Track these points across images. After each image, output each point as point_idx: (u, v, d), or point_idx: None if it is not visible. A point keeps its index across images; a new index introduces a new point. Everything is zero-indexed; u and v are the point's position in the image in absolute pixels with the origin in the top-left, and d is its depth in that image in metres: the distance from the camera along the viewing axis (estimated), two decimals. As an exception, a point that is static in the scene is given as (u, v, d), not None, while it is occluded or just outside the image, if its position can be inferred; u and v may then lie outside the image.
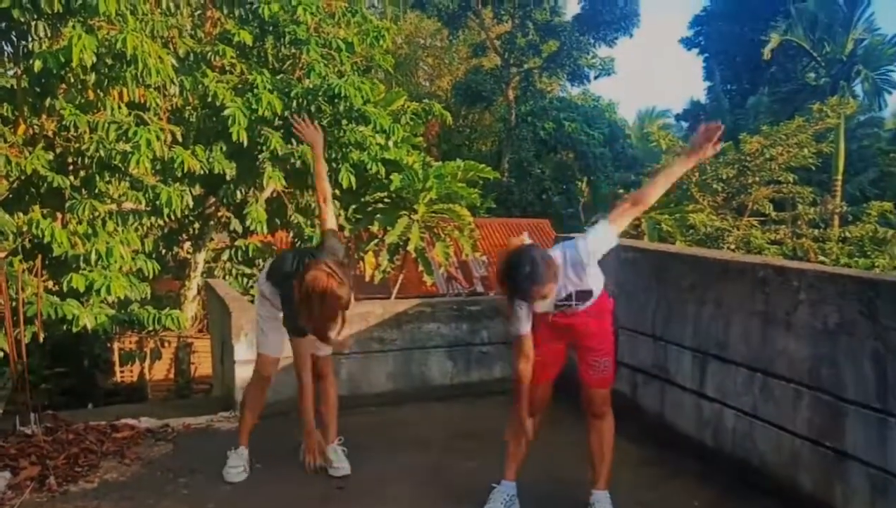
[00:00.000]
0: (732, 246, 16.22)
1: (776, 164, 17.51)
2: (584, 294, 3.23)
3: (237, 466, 3.91)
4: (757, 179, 17.85)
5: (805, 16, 28.32)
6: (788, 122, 18.14)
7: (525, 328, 3.20)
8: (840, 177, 21.46)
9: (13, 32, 7.14)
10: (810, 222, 18.17)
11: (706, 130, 3.17)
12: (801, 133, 17.43)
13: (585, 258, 3.13)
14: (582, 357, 3.40)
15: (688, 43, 36.42)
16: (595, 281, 3.26)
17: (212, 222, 10.57)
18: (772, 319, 3.70)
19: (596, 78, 33.47)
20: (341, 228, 11.06)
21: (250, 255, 10.62)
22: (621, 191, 21.36)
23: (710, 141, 3.16)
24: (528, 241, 3.09)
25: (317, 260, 3.40)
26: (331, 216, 3.99)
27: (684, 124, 35.92)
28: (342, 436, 4.08)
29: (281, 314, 3.80)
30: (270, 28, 9.56)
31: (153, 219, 8.95)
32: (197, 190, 9.58)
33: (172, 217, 8.84)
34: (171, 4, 8.14)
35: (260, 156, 9.25)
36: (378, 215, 11.35)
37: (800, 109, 22.91)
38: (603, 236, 3.16)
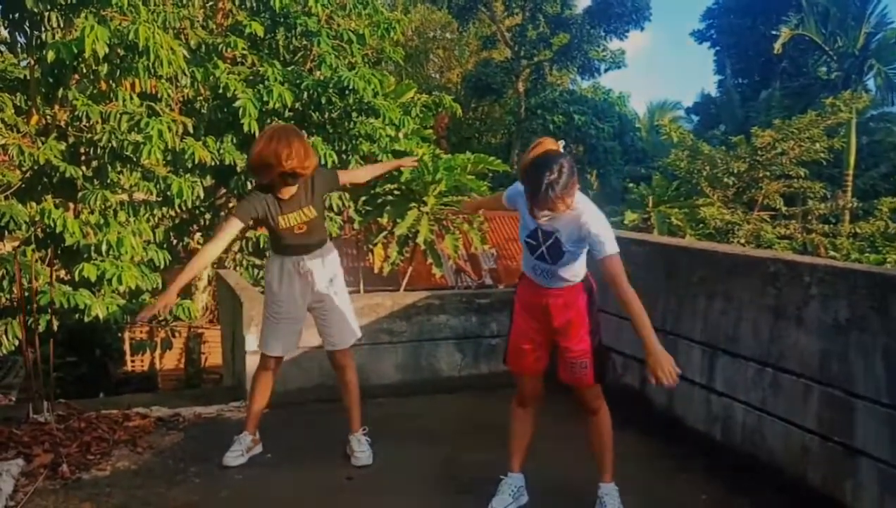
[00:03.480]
0: (742, 240, 16.18)
1: (787, 158, 17.44)
2: (557, 251, 3.13)
3: (236, 450, 3.96)
4: (768, 173, 17.78)
5: (817, 10, 28.11)
6: (800, 116, 18.05)
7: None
8: (851, 172, 21.35)
9: (27, 23, 7.19)
10: (821, 217, 18.12)
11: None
12: (812, 127, 17.35)
13: (591, 225, 3.04)
14: (560, 356, 3.35)
15: (699, 36, 36.23)
16: (575, 265, 3.20)
17: (222, 213, 10.61)
18: (782, 313, 3.69)
19: (606, 71, 33.43)
20: (351, 220, 11.10)
21: (261, 246, 10.65)
22: (630, 184, 21.29)
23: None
24: (562, 149, 3.06)
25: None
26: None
27: (695, 118, 35.74)
28: (366, 426, 4.11)
29: (288, 311, 3.91)
30: (282, 19, 9.58)
31: (164, 209, 9.00)
32: (208, 181, 9.61)
33: (183, 208, 8.90)
34: (183, -5, 8.18)
35: (270, 147, 9.26)
36: (387, 207, 11.35)
37: (811, 103, 22.78)
38: (610, 236, 3.07)
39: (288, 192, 3.74)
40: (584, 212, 3.07)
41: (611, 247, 3.04)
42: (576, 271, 3.24)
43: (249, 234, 10.58)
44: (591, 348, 3.29)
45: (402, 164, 4.94)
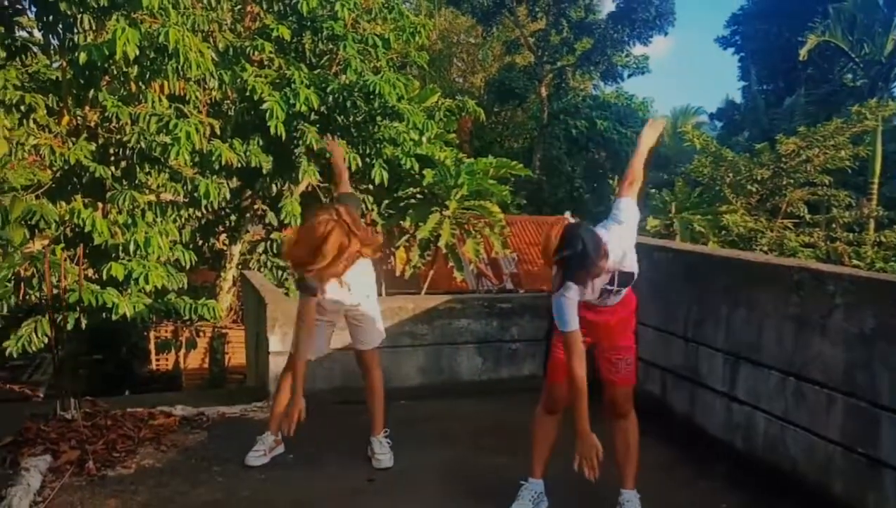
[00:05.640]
0: (765, 248, 16.03)
1: (812, 166, 17.24)
2: (627, 276, 3.22)
3: (258, 450, 4.00)
4: (792, 180, 17.61)
5: (843, 16, 27.78)
6: (825, 123, 17.86)
7: (575, 321, 3.08)
8: (877, 180, 21.04)
9: (60, 25, 7.30)
10: (845, 225, 17.89)
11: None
12: (838, 135, 17.15)
13: (624, 218, 3.25)
14: (603, 355, 3.39)
15: (724, 42, 35.96)
16: (634, 265, 3.27)
17: (248, 215, 10.71)
18: (806, 322, 3.68)
19: (629, 76, 33.25)
20: (374, 222, 11.16)
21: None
22: (653, 190, 21.16)
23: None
24: (572, 220, 3.13)
25: (327, 205, 3.58)
26: (347, 186, 4.33)
27: (718, 124, 35.46)
28: (388, 429, 4.15)
29: (327, 318, 3.96)
30: (308, 23, 9.66)
31: (191, 210, 9.10)
32: (234, 183, 9.73)
33: (209, 209, 9.01)
34: None
35: (296, 150, 9.35)
36: (410, 211, 11.41)
37: (836, 111, 22.51)
38: (625, 206, 3.30)
39: None
40: (610, 232, 3.17)
41: (616, 202, 3.39)
42: (636, 270, 3.32)
43: (274, 235, 10.68)
44: (635, 345, 3.40)
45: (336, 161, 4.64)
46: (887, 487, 3.25)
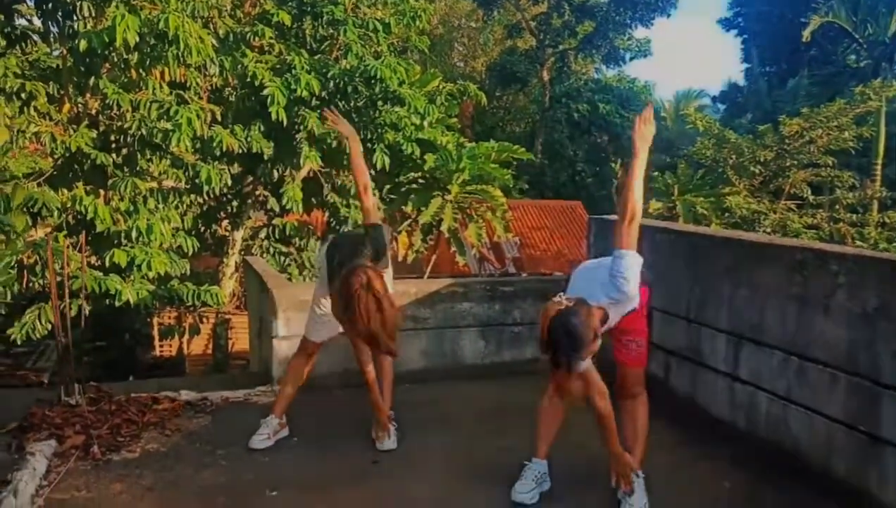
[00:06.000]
0: (769, 230, 16.02)
1: (815, 147, 17.19)
2: (632, 310, 3.26)
3: (263, 434, 4.01)
4: (795, 162, 17.56)
5: (847, -4, 27.63)
6: (829, 104, 17.79)
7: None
8: (881, 161, 20.95)
9: (59, 12, 7.29)
10: (848, 206, 17.86)
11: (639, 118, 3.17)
12: (841, 116, 17.08)
13: (627, 289, 3.04)
14: (615, 337, 3.42)
15: (726, 24, 35.76)
16: (637, 290, 3.18)
17: (249, 201, 10.71)
18: (809, 302, 3.68)
19: (632, 59, 33.11)
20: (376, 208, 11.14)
21: (287, 233, 10.76)
22: (656, 173, 21.11)
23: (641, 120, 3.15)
24: (565, 302, 2.92)
25: (355, 270, 3.37)
26: (374, 207, 4.00)
27: (721, 106, 35.34)
28: (393, 411, 4.16)
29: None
30: (308, 8, 9.62)
31: (193, 197, 9.11)
32: (235, 169, 9.72)
33: (211, 195, 9.01)
34: (212, -15, 8.24)
35: (297, 136, 9.34)
36: (412, 196, 11.41)
37: (840, 92, 22.41)
38: (628, 267, 3.04)
39: None
40: (612, 298, 3.08)
41: (619, 257, 3.08)
42: (639, 286, 3.20)
43: (276, 221, 10.68)
44: (647, 328, 3.42)
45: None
46: (888, 464, 3.26)
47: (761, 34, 33.32)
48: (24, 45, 7.70)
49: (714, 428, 4.30)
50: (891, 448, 3.25)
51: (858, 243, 15.68)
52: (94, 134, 7.60)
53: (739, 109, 31.66)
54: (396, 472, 3.76)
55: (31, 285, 7.58)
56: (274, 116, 8.57)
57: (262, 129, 9.11)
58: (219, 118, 8.42)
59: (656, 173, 20.41)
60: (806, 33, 25.90)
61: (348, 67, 9.30)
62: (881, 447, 3.29)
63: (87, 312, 6.00)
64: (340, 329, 4.03)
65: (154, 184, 8.40)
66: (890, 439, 3.25)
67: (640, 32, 32.89)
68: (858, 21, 27.33)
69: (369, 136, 9.63)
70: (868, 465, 3.36)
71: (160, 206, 8.10)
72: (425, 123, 10.05)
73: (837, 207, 17.61)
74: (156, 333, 12.11)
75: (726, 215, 16.92)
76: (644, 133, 3.17)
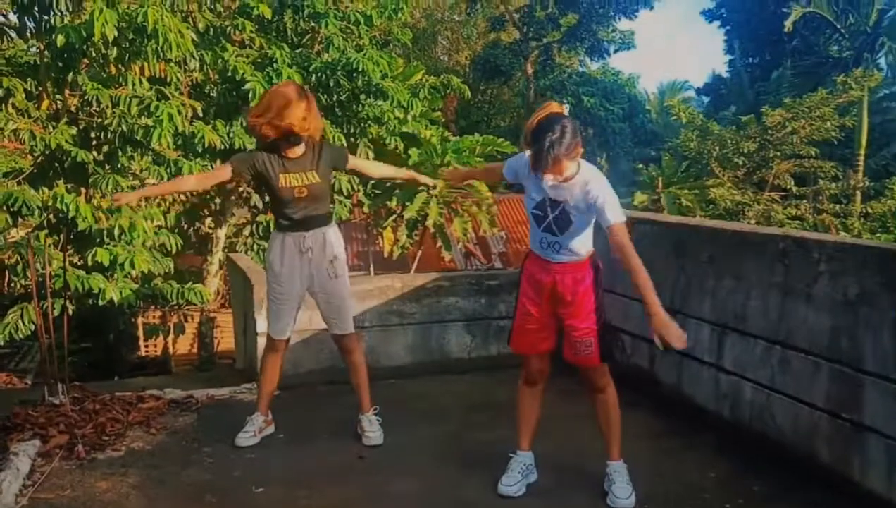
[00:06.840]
0: (753, 221, 16.13)
1: (798, 137, 17.31)
2: (565, 220, 3.16)
3: (248, 431, 3.99)
4: (778, 153, 17.67)
5: (828, -14, 27.75)
6: (811, 94, 17.90)
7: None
8: (863, 151, 21.13)
9: (36, 7, 7.21)
10: (832, 197, 18.01)
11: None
12: (824, 106, 17.21)
13: (597, 192, 3.06)
14: (566, 335, 3.35)
15: (709, 15, 35.85)
16: (582, 237, 3.21)
17: (233, 198, 10.66)
18: (791, 291, 3.70)
19: (616, 52, 33.10)
20: (360, 203, 11.12)
21: (271, 230, 10.70)
22: (640, 166, 21.16)
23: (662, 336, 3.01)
24: (566, 112, 3.09)
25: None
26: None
27: (705, 99, 35.48)
28: (377, 406, 4.14)
29: (288, 292, 3.91)
30: (289, 1, 9.56)
31: (175, 194, 9.04)
32: (218, 165, 9.65)
33: (194, 193, 8.93)
34: (191, -22, 8.18)
35: (279, 131, 9.27)
36: (396, 191, 11.39)
37: (822, 82, 22.54)
38: (616, 204, 3.10)
39: (293, 152, 3.77)
40: (590, 180, 3.11)
41: (617, 215, 3.07)
42: (583, 242, 3.24)
43: (259, 218, 10.63)
44: (597, 326, 3.29)
45: (417, 179, 4.65)
46: (871, 451, 3.28)
47: (744, 25, 33.43)
48: (-1, 41, 7.63)
49: (699, 418, 4.31)
50: (873, 434, 3.27)
51: (842, 233, 15.81)
52: (73, 131, 7.53)
53: (723, 102, 31.81)
54: (383, 467, 3.75)
55: (13, 285, 7.52)
56: (256, 112, 8.51)
57: (244, 124, 9.06)
58: (200, 114, 8.36)
59: (641, 166, 20.48)
60: (788, 23, 26.05)
61: (330, 60, 9.25)
62: (864, 433, 3.31)
63: (70, 311, 5.97)
64: (295, 312, 4.00)
65: (136, 181, 8.34)
66: (872, 425, 3.27)
67: (623, 25, 32.93)
68: (840, 11, 27.49)
69: (352, 130, 9.60)
70: (851, 452, 3.38)
71: (143, 203, 8.05)
72: (409, 117, 10.03)
73: (821, 197, 17.77)
74: (140, 333, 12.05)
75: (711, 206, 17.03)
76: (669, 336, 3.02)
